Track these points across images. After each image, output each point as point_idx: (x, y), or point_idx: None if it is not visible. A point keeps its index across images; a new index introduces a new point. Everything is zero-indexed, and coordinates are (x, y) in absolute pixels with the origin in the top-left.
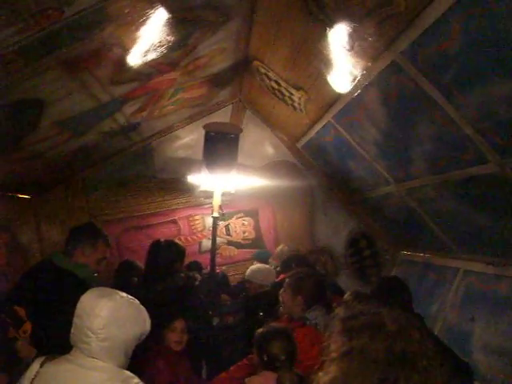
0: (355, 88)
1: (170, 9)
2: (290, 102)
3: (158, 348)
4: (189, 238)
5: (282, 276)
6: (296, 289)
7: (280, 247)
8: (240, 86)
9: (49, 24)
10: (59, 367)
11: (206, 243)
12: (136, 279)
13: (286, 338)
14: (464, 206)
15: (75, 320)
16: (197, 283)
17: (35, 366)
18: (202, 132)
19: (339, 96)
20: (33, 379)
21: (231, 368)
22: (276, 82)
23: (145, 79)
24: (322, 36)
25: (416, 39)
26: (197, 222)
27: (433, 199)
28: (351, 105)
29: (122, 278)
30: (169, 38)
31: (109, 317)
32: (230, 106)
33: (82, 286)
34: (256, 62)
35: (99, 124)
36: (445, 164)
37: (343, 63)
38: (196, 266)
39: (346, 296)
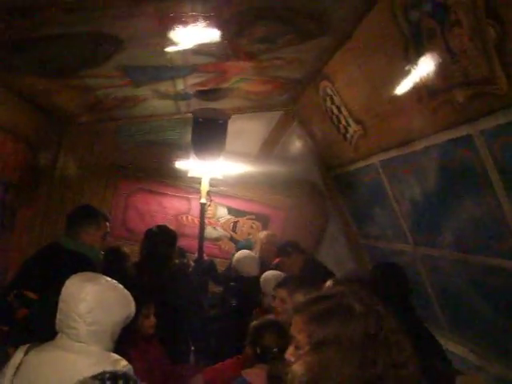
0: (416, 144)
1: (277, 4)
2: (343, 130)
3: (128, 337)
4: (195, 220)
5: (277, 260)
6: None
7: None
8: (298, 97)
9: None
10: (45, 354)
11: (210, 231)
12: (128, 265)
13: (279, 330)
14: (474, 293)
15: (61, 305)
16: (190, 270)
17: (19, 354)
18: (246, 124)
19: (396, 145)
20: (17, 367)
21: (226, 361)
22: (338, 107)
23: (222, 58)
24: (405, 80)
25: (503, 124)
26: (209, 207)
27: (444, 273)
28: (404, 157)
29: (112, 265)
30: (263, 29)
31: (95, 301)
32: (280, 112)
33: (92, 267)
34: (326, 82)
35: (159, 82)
36: (473, 245)
37: (415, 115)
38: (179, 251)
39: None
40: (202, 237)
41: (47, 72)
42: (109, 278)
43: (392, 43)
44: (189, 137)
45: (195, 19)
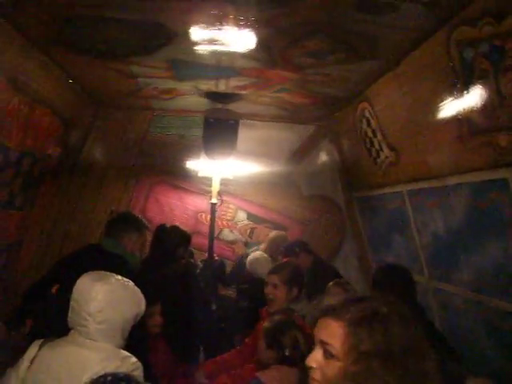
0: (448, 179)
1: (337, 22)
2: (374, 154)
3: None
4: None
5: (284, 259)
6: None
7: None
8: (333, 114)
9: None
10: (58, 348)
11: (227, 234)
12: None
13: (300, 328)
14: (485, 336)
15: (72, 304)
16: (198, 271)
17: (34, 348)
18: (277, 132)
19: (428, 177)
20: (32, 361)
21: (226, 353)
22: (373, 131)
23: (269, 66)
24: (448, 115)
25: None
26: (229, 210)
27: (456, 311)
28: (434, 190)
29: None
30: (317, 44)
31: (105, 300)
32: (313, 127)
33: (131, 273)
34: (365, 104)
35: (202, 80)
36: (490, 288)
37: (452, 150)
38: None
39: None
40: (212, 237)
41: (98, 53)
42: (119, 277)
43: (440, 76)
44: None
45: (253, 24)
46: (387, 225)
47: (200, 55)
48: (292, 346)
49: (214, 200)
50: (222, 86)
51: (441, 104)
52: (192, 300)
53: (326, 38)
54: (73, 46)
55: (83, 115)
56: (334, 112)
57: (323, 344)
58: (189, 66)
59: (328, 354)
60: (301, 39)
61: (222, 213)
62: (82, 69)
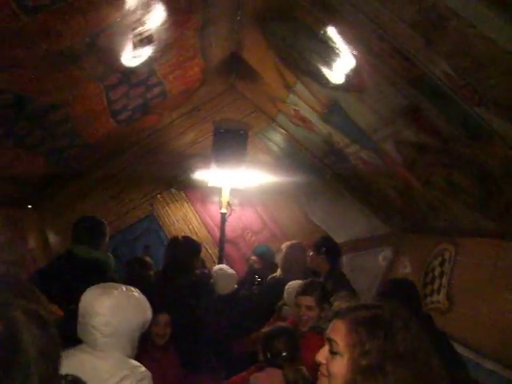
0: None
1: None
2: (428, 291)
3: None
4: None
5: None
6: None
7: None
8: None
9: None
10: (72, 357)
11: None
12: (152, 273)
13: (289, 336)
14: None
15: (79, 318)
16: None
17: None
18: None
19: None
20: None
21: (244, 372)
22: (442, 273)
23: None
24: None
25: None
26: None
27: None
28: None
29: (134, 274)
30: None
31: (110, 313)
32: None
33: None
34: (450, 246)
35: None
36: None
37: None
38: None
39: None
40: (222, 246)
41: None
42: (124, 287)
43: None
44: None
45: None
46: None
47: None
48: (273, 350)
49: (223, 210)
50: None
51: None
52: (204, 309)
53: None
54: None
55: None
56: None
57: (329, 341)
58: None
59: (332, 351)
60: None
61: None
62: None
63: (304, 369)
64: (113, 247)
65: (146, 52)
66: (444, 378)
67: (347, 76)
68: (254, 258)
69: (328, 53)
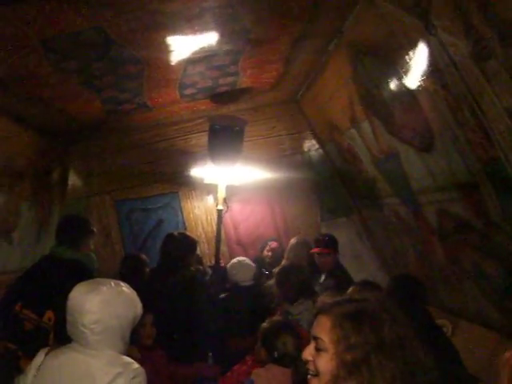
0: None
1: None
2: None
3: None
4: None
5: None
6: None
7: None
8: None
9: None
10: (62, 356)
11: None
12: (148, 270)
13: (293, 332)
14: None
15: (68, 317)
16: (208, 277)
17: (40, 356)
18: None
19: None
20: (38, 368)
21: (235, 367)
22: None
23: None
24: None
25: None
26: None
27: None
28: None
29: (130, 271)
30: None
31: (100, 311)
32: None
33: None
34: None
35: None
36: None
37: None
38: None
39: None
40: (218, 243)
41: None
42: (112, 282)
43: None
44: None
45: None
46: None
47: None
48: (281, 349)
49: (220, 207)
50: None
51: None
52: (200, 306)
53: None
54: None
55: None
56: None
57: (314, 338)
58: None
59: (318, 347)
60: None
61: None
62: None
63: None
64: (127, 210)
65: (240, 41)
66: (432, 369)
67: (419, 132)
68: (274, 244)
69: (411, 104)
